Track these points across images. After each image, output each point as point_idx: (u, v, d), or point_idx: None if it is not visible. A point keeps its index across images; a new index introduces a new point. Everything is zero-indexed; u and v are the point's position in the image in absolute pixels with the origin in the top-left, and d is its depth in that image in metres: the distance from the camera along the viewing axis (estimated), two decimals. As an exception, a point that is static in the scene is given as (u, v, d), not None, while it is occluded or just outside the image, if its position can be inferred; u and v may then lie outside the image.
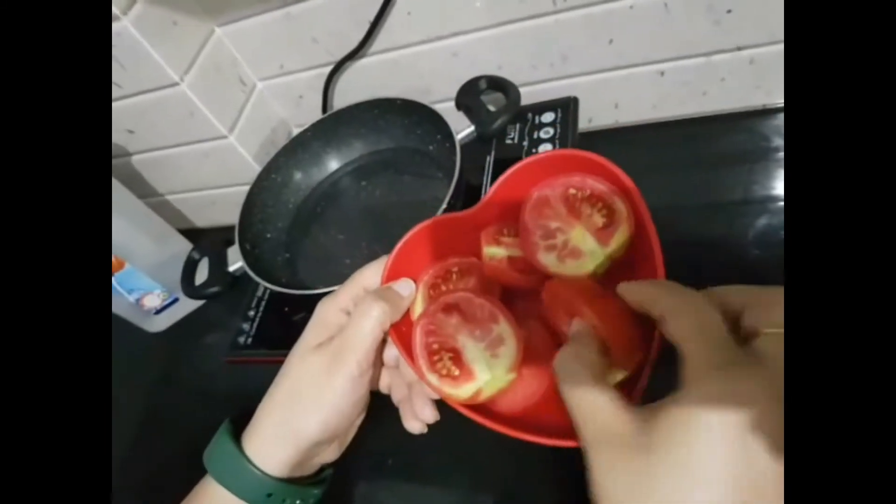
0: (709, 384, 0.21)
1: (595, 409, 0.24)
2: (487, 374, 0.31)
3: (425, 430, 0.34)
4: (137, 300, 0.67)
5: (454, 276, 0.35)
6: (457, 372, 0.31)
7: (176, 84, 0.56)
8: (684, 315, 0.24)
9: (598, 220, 0.32)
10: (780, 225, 0.48)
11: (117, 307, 0.67)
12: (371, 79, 0.63)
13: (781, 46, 0.49)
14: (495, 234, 0.35)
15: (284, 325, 0.58)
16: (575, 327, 0.28)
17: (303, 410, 0.33)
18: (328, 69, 0.62)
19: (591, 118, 0.61)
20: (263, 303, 0.60)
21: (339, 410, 0.33)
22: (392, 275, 0.34)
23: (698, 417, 0.21)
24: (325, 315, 0.35)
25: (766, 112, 0.55)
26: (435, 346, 0.32)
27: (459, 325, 0.32)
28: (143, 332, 0.70)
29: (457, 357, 0.32)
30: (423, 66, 0.60)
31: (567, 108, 0.58)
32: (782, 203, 0.48)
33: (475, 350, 0.32)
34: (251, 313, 0.60)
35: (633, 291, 0.27)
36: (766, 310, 0.24)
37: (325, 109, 0.64)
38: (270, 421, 0.34)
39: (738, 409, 0.20)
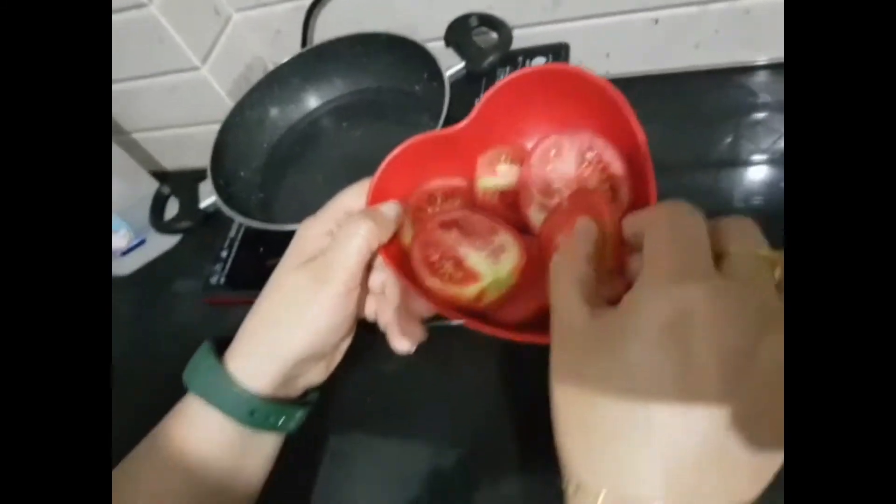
0: (653, 288, 0.21)
1: (564, 306, 0.24)
2: (491, 275, 0.30)
3: (412, 349, 0.33)
4: (101, 239, 0.64)
5: (439, 199, 0.34)
6: (460, 275, 0.31)
7: (143, 5, 0.52)
8: (652, 208, 0.24)
9: (602, 190, 0.31)
10: (764, 180, 0.48)
11: (79, 246, 0.63)
12: (354, 15, 0.60)
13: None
14: (493, 162, 0.34)
15: (258, 265, 0.56)
16: (580, 223, 0.27)
17: (288, 326, 0.32)
18: (309, 2, 0.59)
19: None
20: (236, 243, 0.57)
21: (324, 327, 0.32)
22: (377, 196, 0.33)
23: (633, 316, 0.21)
24: (308, 236, 0.34)
25: (756, 68, 0.54)
26: (435, 258, 0.31)
27: (459, 238, 0.32)
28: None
29: (458, 263, 0.31)
30: (409, 4, 0.57)
31: (558, 54, 0.56)
32: (768, 158, 0.49)
33: (477, 257, 0.31)
34: (223, 254, 0.57)
35: (631, 222, 0.26)
36: (738, 235, 0.23)
37: (304, 45, 0.61)
38: (255, 338, 0.33)
39: (678, 308, 0.20)
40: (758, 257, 0.21)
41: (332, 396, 0.42)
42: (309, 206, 0.55)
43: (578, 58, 0.57)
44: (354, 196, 0.34)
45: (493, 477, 0.40)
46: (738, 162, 0.49)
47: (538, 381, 0.43)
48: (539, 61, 0.56)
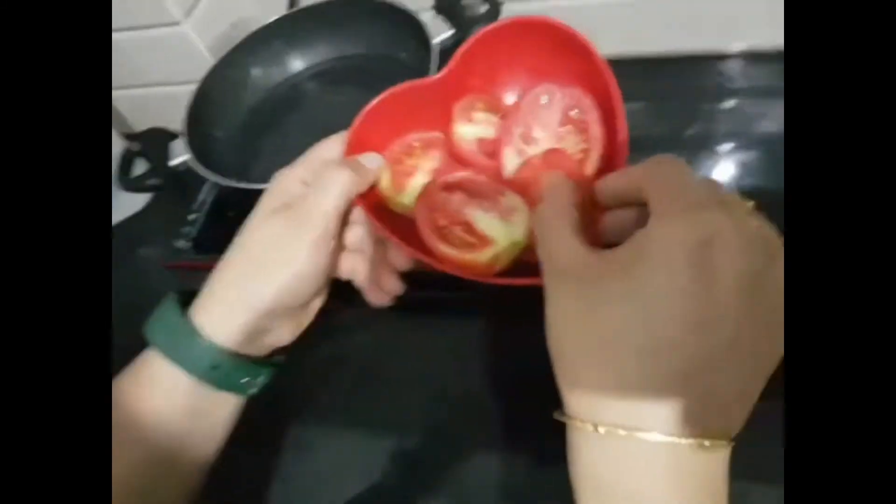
0: (672, 217, 0.21)
1: (558, 247, 0.23)
2: (506, 238, 0.29)
3: (390, 303, 0.33)
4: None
5: (418, 150, 0.33)
6: (473, 240, 0.29)
7: (123, -51, 0.50)
8: (648, 165, 0.24)
9: (576, 151, 0.30)
10: (736, 163, 0.49)
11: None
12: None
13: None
14: (468, 109, 0.33)
15: (229, 230, 0.53)
16: (550, 178, 0.26)
17: (261, 273, 0.30)
18: (299, -37, 0.57)
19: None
20: (207, 206, 0.55)
21: (299, 276, 0.30)
22: (354, 147, 0.32)
23: (654, 242, 0.20)
24: (283, 184, 0.32)
25: (733, 56, 0.55)
26: (442, 223, 0.30)
27: (464, 200, 0.31)
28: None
29: (470, 228, 0.30)
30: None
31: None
32: (737, 142, 0.49)
33: (487, 219, 0.30)
34: (192, 217, 0.55)
35: (620, 180, 0.26)
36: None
37: (291, 5, 0.60)
38: (225, 285, 0.31)
39: (702, 232, 0.20)
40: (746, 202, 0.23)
41: (293, 386, 0.41)
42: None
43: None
44: (332, 147, 0.33)
45: (463, 464, 0.39)
46: (711, 144, 0.50)
47: (505, 363, 0.42)
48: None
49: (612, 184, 0.26)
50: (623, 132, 0.27)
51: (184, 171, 0.52)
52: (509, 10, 0.55)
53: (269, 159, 0.54)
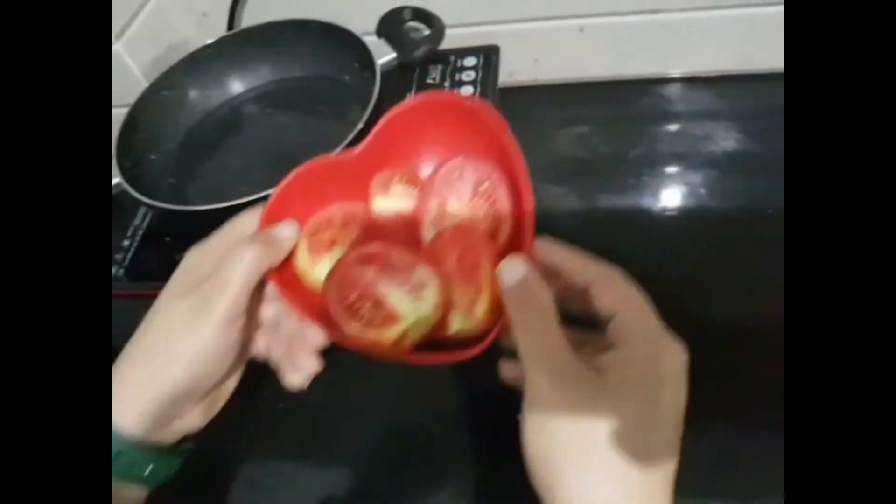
0: (656, 341, 0.26)
1: (550, 349, 0.25)
2: (413, 314, 0.29)
3: (306, 383, 0.31)
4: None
5: (336, 222, 0.33)
6: (381, 316, 0.29)
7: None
8: (614, 285, 0.27)
9: (486, 223, 0.32)
10: (679, 183, 0.51)
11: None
12: (286, 3, 0.58)
13: (694, 13, 0.52)
14: (386, 182, 0.33)
15: (164, 257, 0.51)
16: (513, 266, 0.27)
17: (165, 358, 0.29)
18: (237, -14, 0.57)
19: (511, 72, 0.60)
20: (141, 231, 0.53)
21: (204, 359, 0.29)
22: (270, 220, 0.31)
23: (655, 367, 0.25)
24: (194, 262, 0.31)
25: (674, 80, 0.58)
26: (353, 298, 0.30)
27: (378, 274, 0.30)
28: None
29: (378, 304, 0.30)
30: (339, -3, 0.57)
31: (489, 55, 0.57)
32: (680, 164, 0.52)
33: (397, 294, 0.30)
34: (125, 243, 0.53)
35: (554, 252, 0.28)
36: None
37: (230, 28, 0.59)
38: (127, 372, 0.29)
39: (684, 361, 0.25)
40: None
41: (244, 421, 0.39)
42: (224, 193, 0.52)
43: (509, 60, 0.58)
44: (248, 220, 0.31)
45: (418, 492, 0.39)
46: (655, 165, 0.52)
47: (458, 396, 0.42)
48: (470, 61, 0.57)
49: (551, 255, 0.28)
50: (529, 205, 0.29)
51: (117, 195, 0.49)
52: (451, 35, 0.57)
53: (207, 181, 0.53)
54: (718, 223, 0.47)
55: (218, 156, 0.55)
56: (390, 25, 0.50)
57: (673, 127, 0.55)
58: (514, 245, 0.30)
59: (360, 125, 0.44)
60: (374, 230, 0.33)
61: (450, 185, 0.33)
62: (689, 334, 0.26)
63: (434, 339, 0.30)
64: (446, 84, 0.56)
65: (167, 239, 0.52)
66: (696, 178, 0.51)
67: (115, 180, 0.48)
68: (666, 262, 0.45)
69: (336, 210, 0.34)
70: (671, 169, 0.52)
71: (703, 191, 0.50)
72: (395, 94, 0.54)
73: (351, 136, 0.44)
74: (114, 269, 0.51)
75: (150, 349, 0.29)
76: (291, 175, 0.31)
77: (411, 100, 0.32)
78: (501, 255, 0.28)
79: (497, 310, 0.28)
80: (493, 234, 0.31)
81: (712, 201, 0.49)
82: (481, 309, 0.29)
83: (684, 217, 0.49)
